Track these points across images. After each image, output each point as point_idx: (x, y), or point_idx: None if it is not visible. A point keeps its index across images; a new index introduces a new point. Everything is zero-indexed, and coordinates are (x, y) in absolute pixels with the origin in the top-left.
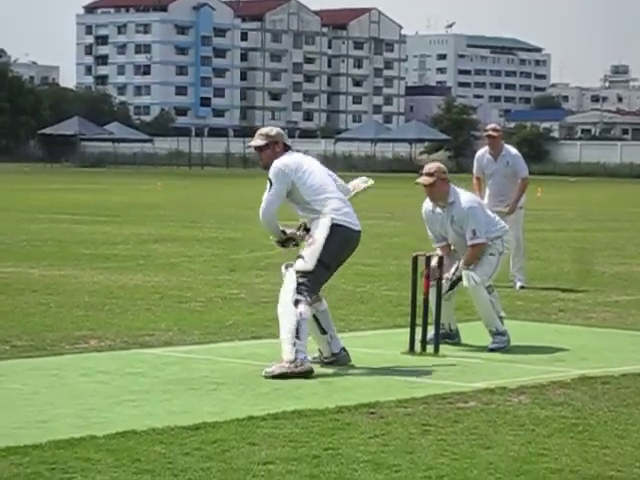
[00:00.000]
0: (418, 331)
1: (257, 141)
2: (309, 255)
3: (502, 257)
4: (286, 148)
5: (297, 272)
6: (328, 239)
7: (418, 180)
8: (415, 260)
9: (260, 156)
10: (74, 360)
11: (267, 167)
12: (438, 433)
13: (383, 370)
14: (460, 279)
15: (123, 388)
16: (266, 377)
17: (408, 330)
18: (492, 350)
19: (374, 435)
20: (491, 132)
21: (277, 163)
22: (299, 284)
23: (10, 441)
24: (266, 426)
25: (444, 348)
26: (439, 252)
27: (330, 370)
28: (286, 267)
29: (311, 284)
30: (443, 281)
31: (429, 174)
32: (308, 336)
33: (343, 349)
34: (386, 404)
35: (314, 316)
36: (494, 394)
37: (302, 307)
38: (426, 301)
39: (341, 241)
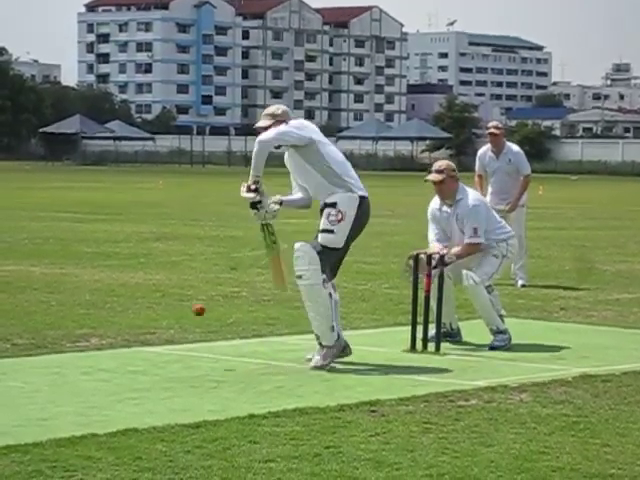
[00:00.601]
0: (419, 329)
1: (264, 121)
2: (341, 231)
3: (505, 261)
4: None
5: (324, 247)
6: (357, 214)
7: (428, 177)
8: (416, 258)
9: None
10: (75, 358)
11: (277, 147)
12: (439, 431)
13: (384, 368)
14: (442, 264)
15: (124, 386)
16: (315, 369)
17: (409, 328)
18: (493, 348)
19: (375, 433)
20: (493, 130)
21: (301, 119)
22: (322, 261)
23: (11, 439)
24: (267, 424)
25: (445, 346)
26: (437, 247)
27: (331, 368)
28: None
29: (334, 261)
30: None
31: (439, 171)
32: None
33: (346, 342)
34: (387, 402)
35: None
36: (495, 392)
37: (330, 287)
38: (427, 299)
39: (364, 213)
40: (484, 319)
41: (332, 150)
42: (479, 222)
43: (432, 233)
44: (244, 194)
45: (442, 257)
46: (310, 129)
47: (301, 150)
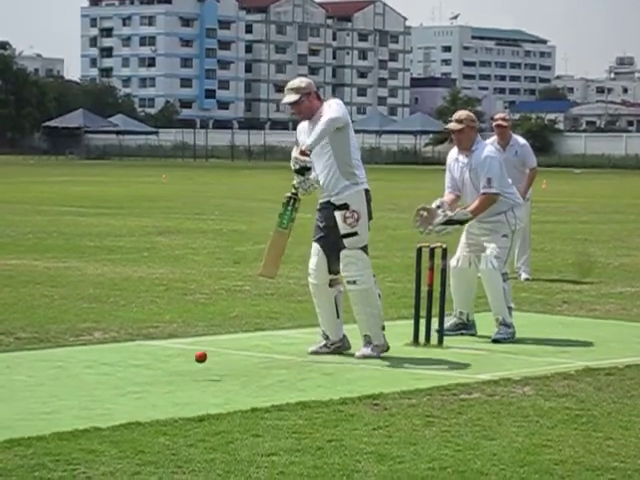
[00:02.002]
0: (422, 323)
1: (290, 97)
2: (362, 229)
3: (515, 236)
4: (318, 98)
5: (359, 249)
6: (367, 208)
7: (447, 126)
8: (419, 252)
9: (297, 110)
10: (78, 352)
11: (309, 117)
12: (442, 424)
13: (387, 361)
14: (455, 222)
15: (127, 380)
16: (362, 358)
17: (412, 322)
18: (496, 341)
19: (378, 426)
20: (500, 121)
21: (337, 99)
22: (368, 261)
23: (14, 433)
24: (270, 418)
25: (448, 340)
26: (445, 198)
27: (334, 361)
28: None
29: (368, 256)
30: (439, 218)
31: (459, 121)
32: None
33: (344, 335)
34: (390, 395)
35: (335, 299)
36: (498, 385)
37: (378, 288)
38: (430, 292)
39: (369, 202)
40: (493, 307)
41: (353, 136)
42: (493, 173)
43: (447, 180)
44: (297, 154)
45: (450, 220)
46: (346, 112)
47: (336, 130)
